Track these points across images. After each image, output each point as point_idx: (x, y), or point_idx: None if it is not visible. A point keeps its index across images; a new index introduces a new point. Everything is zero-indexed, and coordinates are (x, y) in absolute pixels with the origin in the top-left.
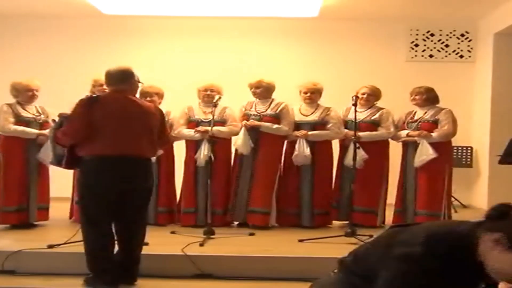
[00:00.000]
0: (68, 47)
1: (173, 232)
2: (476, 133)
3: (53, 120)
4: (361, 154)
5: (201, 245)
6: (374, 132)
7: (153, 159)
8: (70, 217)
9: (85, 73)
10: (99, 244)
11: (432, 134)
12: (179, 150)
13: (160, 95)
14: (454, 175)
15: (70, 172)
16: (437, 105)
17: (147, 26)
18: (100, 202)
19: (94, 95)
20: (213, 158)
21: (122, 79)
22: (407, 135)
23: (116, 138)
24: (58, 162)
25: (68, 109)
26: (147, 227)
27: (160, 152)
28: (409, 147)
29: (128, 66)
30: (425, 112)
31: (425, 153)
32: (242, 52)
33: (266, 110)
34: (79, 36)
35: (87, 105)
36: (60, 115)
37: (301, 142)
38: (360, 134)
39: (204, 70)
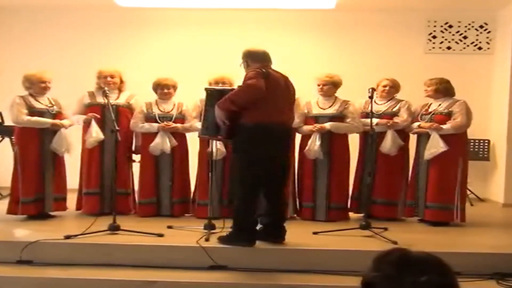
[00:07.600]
0: (83, 39)
1: (170, 227)
2: (493, 126)
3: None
4: (397, 141)
5: (207, 240)
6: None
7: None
8: (77, 209)
9: (99, 65)
10: (250, 204)
11: (443, 126)
12: (193, 142)
13: (175, 88)
14: (471, 168)
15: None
16: (453, 97)
17: (162, 18)
18: (258, 165)
19: (264, 70)
20: (224, 152)
21: (270, 59)
22: (419, 127)
23: (277, 108)
24: (214, 133)
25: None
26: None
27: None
28: (422, 140)
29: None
30: (439, 104)
31: (435, 145)
32: (258, 44)
33: None
34: (94, 28)
35: (263, 76)
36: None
37: (314, 136)
38: (379, 121)
39: (219, 62)
